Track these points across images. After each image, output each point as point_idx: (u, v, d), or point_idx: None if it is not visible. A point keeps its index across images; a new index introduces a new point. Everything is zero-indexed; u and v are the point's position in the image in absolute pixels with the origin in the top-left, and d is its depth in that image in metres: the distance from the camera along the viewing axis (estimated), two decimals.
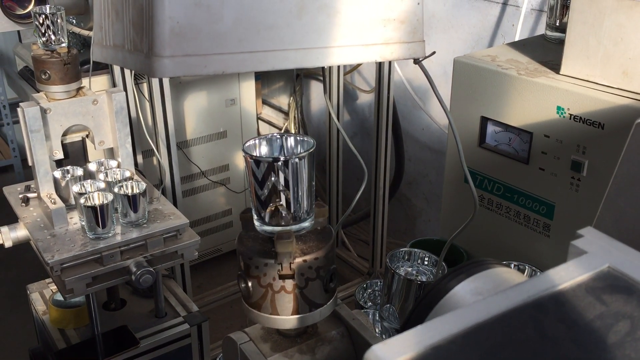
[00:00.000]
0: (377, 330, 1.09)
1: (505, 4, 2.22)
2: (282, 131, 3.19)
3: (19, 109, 1.44)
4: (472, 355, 0.36)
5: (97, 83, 2.11)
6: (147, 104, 2.16)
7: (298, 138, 0.66)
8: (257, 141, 0.67)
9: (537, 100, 1.14)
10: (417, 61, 0.63)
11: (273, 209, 0.65)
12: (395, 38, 0.58)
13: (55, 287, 1.74)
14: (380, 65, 2.32)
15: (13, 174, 3.56)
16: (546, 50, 1.33)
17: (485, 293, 0.44)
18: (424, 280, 1.10)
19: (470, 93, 1.25)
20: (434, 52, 0.64)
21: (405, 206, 2.95)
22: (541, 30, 2.00)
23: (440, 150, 2.65)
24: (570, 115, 1.10)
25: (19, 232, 1.50)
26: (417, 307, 0.44)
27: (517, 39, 1.98)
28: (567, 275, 0.43)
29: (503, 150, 1.25)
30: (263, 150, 0.67)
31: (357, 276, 2.78)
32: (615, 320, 0.39)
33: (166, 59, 0.47)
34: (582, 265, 0.44)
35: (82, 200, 1.38)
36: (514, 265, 1.12)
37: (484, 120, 1.26)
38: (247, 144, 0.65)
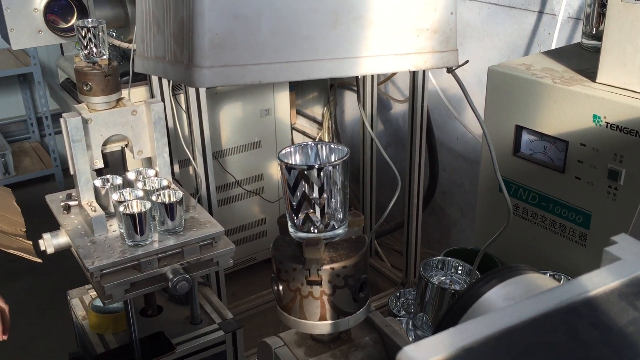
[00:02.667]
0: (410, 338, 1.09)
1: (541, 12, 2.20)
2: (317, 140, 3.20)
3: (61, 119, 1.49)
4: (503, 357, 0.36)
5: (136, 94, 2.16)
6: (184, 115, 2.21)
7: (332, 146, 0.67)
8: (292, 149, 0.68)
9: (572, 109, 1.13)
10: (450, 70, 0.64)
11: (304, 216, 0.66)
12: (428, 47, 0.59)
13: (94, 293, 1.78)
14: (414, 74, 2.32)
15: (54, 183, 3.66)
16: (582, 58, 1.31)
17: (517, 298, 0.44)
18: (458, 289, 1.09)
19: (504, 102, 1.25)
20: (467, 61, 0.64)
21: (439, 216, 2.94)
22: (578, 38, 1.98)
23: (475, 159, 2.63)
24: (607, 123, 1.09)
25: (61, 239, 1.54)
26: (449, 311, 0.44)
27: (553, 47, 1.96)
28: (600, 281, 0.43)
29: (538, 159, 1.24)
30: (297, 158, 0.68)
31: (391, 286, 2.77)
32: None
33: (205, 69, 0.49)
34: (615, 271, 0.44)
35: (121, 208, 1.41)
36: (550, 275, 1.11)
37: (519, 129, 1.25)
38: (282, 152, 0.67)
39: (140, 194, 1.49)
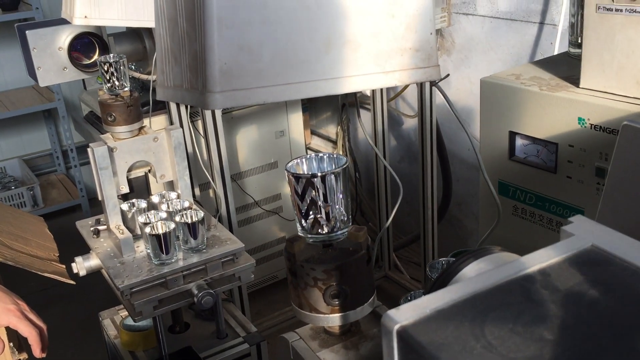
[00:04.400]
0: None
1: (542, 23, 2.27)
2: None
3: (89, 149, 1.58)
4: (467, 314, 0.44)
5: (156, 122, 2.26)
6: (202, 139, 2.31)
7: (333, 156, 0.75)
8: (297, 161, 0.76)
9: (559, 113, 1.21)
10: (434, 83, 0.72)
11: (313, 219, 0.74)
12: (411, 64, 0.67)
13: (125, 313, 1.86)
14: (421, 90, 2.40)
15: (81, 213, 3.77)
16: (569, 66, 1.39)
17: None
18: None
19: (497, 110, 1.32)
20: (447, 75, 0.72)
21: (455, 227, 2.99)
22: None
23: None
24: (591, 125, 1.16)
25: (92, 262, 1.63)
26: (432, 286, 0.51)
27: (555, 53, 2.02)
28: (554, 253, 0.50)
29: (532, 162, 1.31)
30: (303, 168, 0.76)
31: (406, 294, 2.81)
32: (592, 285, 0.45)
33: (217, 94, 0.57)
34: (568, 245, 0.51)
35: (147, 230, 1.49)
36: None
37: (512, 135, 1.32)
38: (289, 164, 0.75)
39: (164, 215, 1.57)
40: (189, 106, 2.16)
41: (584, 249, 0.50)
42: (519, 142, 1.32)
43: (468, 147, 2.76)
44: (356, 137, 3.45)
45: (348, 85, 0.65)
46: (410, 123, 3.06)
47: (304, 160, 0.76)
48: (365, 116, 3.34)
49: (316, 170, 0.75)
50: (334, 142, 3.37)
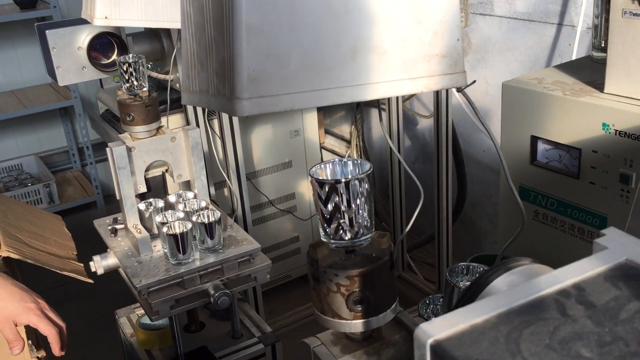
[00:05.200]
0: None
1: (560, 24, 2.25)
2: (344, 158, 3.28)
3: (107, 149, 1.59)
4: (502, 329, 0.43)
5: (173, 121, 2.27)
6: (218, 139, 2.31)
7: (357, 162, 0.75)
8: (322, 166, 0.76)
9: (583, 118, 1.19)
10: (460, 89, 0.71)
11: (336, 225, 0.74)
12: (438, 71, 0.67)
13: (141, 311, 1.87)
14: (437, 91, 2.39)
15: (97, 210, 3.80)
16: (592, 70, 1.38)
17: (519, 284, 0.51)
18: None
19: (519, 114, 1.31)
20: (474, 81, 0.71)
21: (470, 228, 2.98)
22: None
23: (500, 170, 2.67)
24: (616, 131, 1.15)
25: (110, 260, 1.64)
26: (462, 297, 0.51)
27: (574, 57, 2.01)
28: (588, 267, 0.49)
29: (554, 167, 1.30)
30: (327, 173, 0.76)
31: (424, 298, 2.81)
32: (628, 301, 0.45)
33: (245, 100, 0.57)
34: (602, 258, 0.50)
35: (164, 229, 1.50)
36: None
37: (534, 139, 1.31)
38: (312, 169, 0.75)
39: (181, 215, 1.58)
40: None
41: (618, 262, 0.49)
42: (540, 146, 1.31)
43: (484, 149, 2.75)
44: (370, 136, 3.45)
45: (374, 92, 0.65)
46: (425, 123, 3.05)
47: (327, 165, 0.76)
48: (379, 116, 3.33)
49: (339, 175, 0.75)
50: (348, 142, 3.37)
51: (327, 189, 0.71)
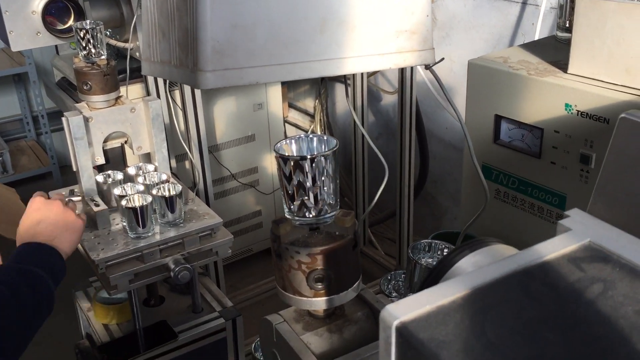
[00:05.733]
0: None
1: (524, 3, 2.27)
2: (309, 133, 3.27)
3: (63, 119, 1.54)
4: (468, 311, 0.43)
5: (132, 91, 2.21)
6: (179, 111, 2.27)
7: (323, 138, 0.74)
8: (286, 142, 0.75)
9: (546, 99, 1.21)
10: (428, 67, 0.70)
11: (299, 202, 0.72)
12: (407, 47, 0.66)
13: (99, 285, 1.84)
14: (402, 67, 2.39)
15: (52, 181, 3.70)
16: (556, 50, 1.39)
17: (484, 265, 0.51)
18: None
19: (484, 93, 1.32)
20: (442, 59, 0.71)
21: (431, 204, 3.01)
22: None
23: (463, 148, 2.70)
24: (578, 111, 1.16)
25: None
26: (428, 277, 0.51)
27: (537, 37, 2.02)
28: (552, 248, 0.49)
29: (516, 146, 1.31)
30: (292, 149, 0.75)
31: (384, 273, 2.83)
32: (591, 283, 0.45)
33: (209, 73, 0.55)
34: (566, 240, 0.50)
35: (123, 203, 1.47)
36: None
37: (498, 118, 1.32)
38: (277, 145, 0.73)
39: (141, 188, 1.54)
40: None
41: (582, 244, 0.50)
42: (504, 125, 1.32)
43: (446, 126, 2.77)
44: (334, 111, 3.43)
45: (342, 67, 0.63)
46: (389, 99, 3.05)
47: (292, 140, 0.75)
48: (344, 91, 3.31)
49: (305, 151, 0.74)
50: (312, 116, 3.35)
51: (291, 165, 0.70)
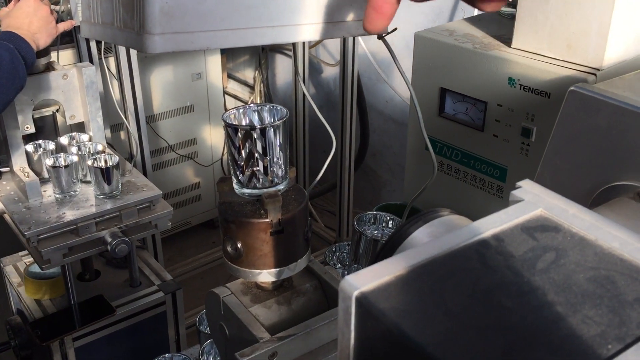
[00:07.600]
0: None
1: None
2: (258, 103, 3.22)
3: None
4: (427, 281, 0.43)
5: (64, 58, 2.11)
6: (114, 79, 2.18)
7: (272, 108, 0.72)
8: (235, 111, 0.73)
9: (490, 72, 1.23)
10: (380, 37, 0.70)
11: (250, 173, 0.71)
12: (361, 16, 0.65)
13: (29, 259, 1.77)
14: (344, 39, 2.38)
15: None
16: (500, 25, 1.41)
17: (439, 236, 0.51)
18: None
19: (430, 66, 1.33)
20: (395, 29, 0.70)
21: (370, 177, 3.04)
22: None
23: (403, 122, 2.73)
24: (521, 85, 1.19)
25: None
26: (382, 248, 0.51)
27: (475, 12, 2.05)
28: (506, 218, 0.50)
29: (460, 119, 1.33)
30: (241, 119, 0.73)
31: (325, 245, 2.86)
32: (544, 251, 0.46)
33: (157, 36, 0.52)
34: (519, 210, 0.51)
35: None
36: None
37: (443, 91, 1.34)
38: (226, 114, 0.71)
39: (75, 158, 1.49)
40: (102, 42, 2.02)
41: (534, 214, 0.51)
42: (449, 98, 1.34)
43: (387, 100, 2.79)
44: (274, 83, 3.39)
45: (295, 34, 0.62)
46: (329, 72, 3.04)
47: (241, 110, 0.72)
48: (284, 62, 3.27)
49: (255, 121, 0.72)
50: (252, 87, 3.30)
51: (241, 136, 0.68)
